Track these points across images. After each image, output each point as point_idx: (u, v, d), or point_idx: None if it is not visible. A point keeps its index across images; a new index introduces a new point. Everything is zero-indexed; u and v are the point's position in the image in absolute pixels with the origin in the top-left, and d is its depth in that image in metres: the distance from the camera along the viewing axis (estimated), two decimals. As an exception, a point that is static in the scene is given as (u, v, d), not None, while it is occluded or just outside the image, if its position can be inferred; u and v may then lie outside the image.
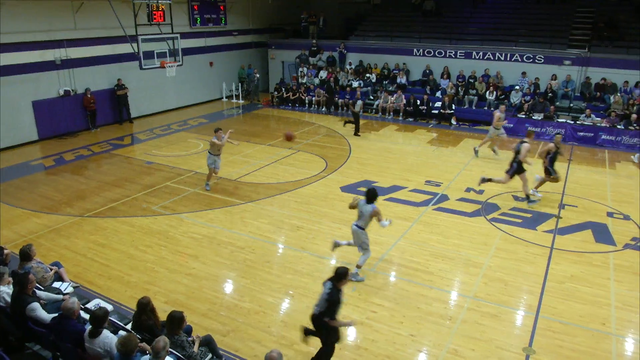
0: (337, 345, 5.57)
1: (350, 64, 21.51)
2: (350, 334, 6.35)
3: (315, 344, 5.99)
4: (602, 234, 9.32)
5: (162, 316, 5.36)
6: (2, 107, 14.18)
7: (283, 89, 21.64)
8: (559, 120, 16.36)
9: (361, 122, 16.81)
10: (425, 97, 18.73)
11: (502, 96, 18.26)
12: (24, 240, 8.74)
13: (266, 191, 11.33)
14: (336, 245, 7.79)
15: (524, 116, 16.68)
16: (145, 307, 5.27)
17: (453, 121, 18.04)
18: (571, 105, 17.54)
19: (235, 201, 10.76)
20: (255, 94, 22.61)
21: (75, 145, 15.12)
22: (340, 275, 5.22)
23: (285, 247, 8.82)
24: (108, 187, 11.57)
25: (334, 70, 21.42)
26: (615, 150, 15.10)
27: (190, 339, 5.20)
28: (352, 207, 7.43)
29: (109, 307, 5.74)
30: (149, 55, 14.24)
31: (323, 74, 21.49)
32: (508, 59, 18.90)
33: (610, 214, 10.24)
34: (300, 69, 22.24)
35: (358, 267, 7.57)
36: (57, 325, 5.05)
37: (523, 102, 17.37)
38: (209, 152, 11.03)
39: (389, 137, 16.62)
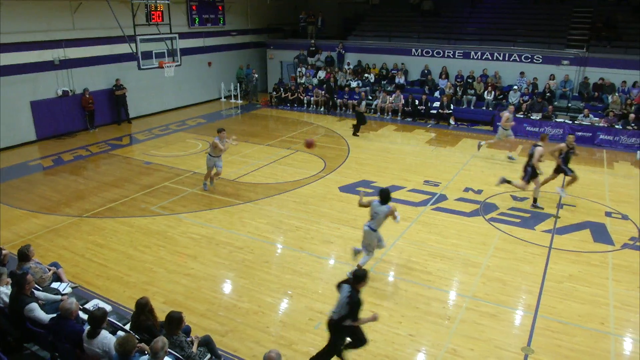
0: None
1: (348, 64, 21.51)
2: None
3: (316, 344, 6.00)
4: (600, 233, 9.34)
5: (161, 316, 5.36)
6: (0, 108, 14.16)
7: (281, 89, 21.63)
8: (557, 120, 16.36)
9: (360, 122, 16.79)
10: (424, 97, 18.72)
11: (501, 96, 18.25)
12: (22, 240, 8.72)
13: (265, 191, 11.32)
14: (356, 252, 7.79)
15: (522, 116, 16.69)
16: (143, 308, 5.26)
17: (451, 121, 18.05)
18: (569, 105, 17.57)
19: (234, 201, 10.75)
20: (254, 94, 22.59)
21: (74, 146, 15.09)
22: (359, 278, 5.29)
23: (284, 247, 8.82)
24: (106, 188, 11.56)
25: (332, 70, 21.41)
26: (613, 150, 15.14)
27: (189, 339, 5.19)
28: (362, 205, 7.44)
29: (108, 308, 5.72)
30: (147, 55, 14.21)
31: (321, 74, 21.48)
32: (506, 59, 18.93)
33: (608, 214, 10.27)
34: (299, 69, 22.23)
35: (358, 267, 7.56)
36: (55, 326, 5.05)
37: (521, 102, 17.38)
38: (209, 154, 10.94)
39: (388, 137, 16.62)
